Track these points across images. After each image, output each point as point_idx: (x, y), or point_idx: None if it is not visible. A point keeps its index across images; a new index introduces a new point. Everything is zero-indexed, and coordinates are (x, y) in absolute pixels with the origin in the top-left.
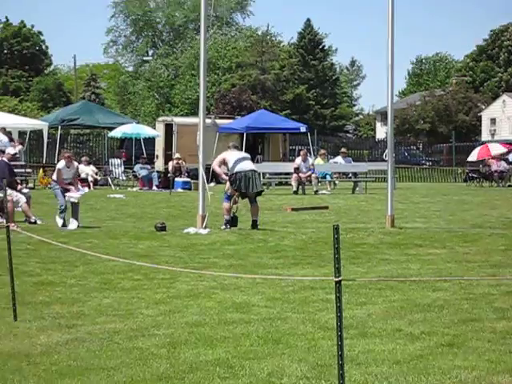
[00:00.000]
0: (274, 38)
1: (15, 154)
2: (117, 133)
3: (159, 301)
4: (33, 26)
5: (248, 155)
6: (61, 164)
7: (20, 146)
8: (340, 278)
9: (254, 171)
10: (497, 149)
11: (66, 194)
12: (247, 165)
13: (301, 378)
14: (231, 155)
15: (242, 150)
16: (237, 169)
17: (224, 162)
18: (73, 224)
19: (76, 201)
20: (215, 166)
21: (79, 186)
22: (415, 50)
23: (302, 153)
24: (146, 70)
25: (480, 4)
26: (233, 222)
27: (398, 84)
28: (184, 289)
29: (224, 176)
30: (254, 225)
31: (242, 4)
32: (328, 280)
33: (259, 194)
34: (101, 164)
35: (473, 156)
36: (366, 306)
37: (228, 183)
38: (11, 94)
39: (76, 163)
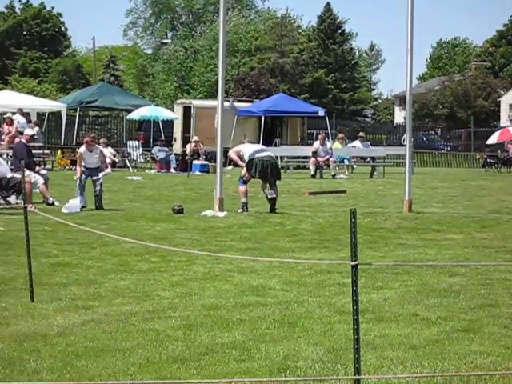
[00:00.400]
0: (293, 21)
1: (33, 135)
2: (135, 115)
3: (176, 283)
4: (53, 8)
5: (265, 147)
6: (82, 149)
7: (37, 128)
8: (356, 262)
9: (271, 157)
10: None
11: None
12: (264, 153)
13: (316, 361)
14: (247, 148)
15: (260, 132)
16: (254, 156)
17: (239, 154)
18: (72, 206)
19: (98, 183)
20: (231, 154)
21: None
22: (436, 34)
23: (320, 137)
24: (164, 53)
25: None
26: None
27: (417, 68)
28: (201, 271)
29: (240, 162)
30: (272, 208)
31: None
32: (344, 264)
33: (278, 178)
34: (119, 146)
35: (493, 138)
36: (382, 291)
37: (244, 168)
38: (30, 76)
39: (100, 147)
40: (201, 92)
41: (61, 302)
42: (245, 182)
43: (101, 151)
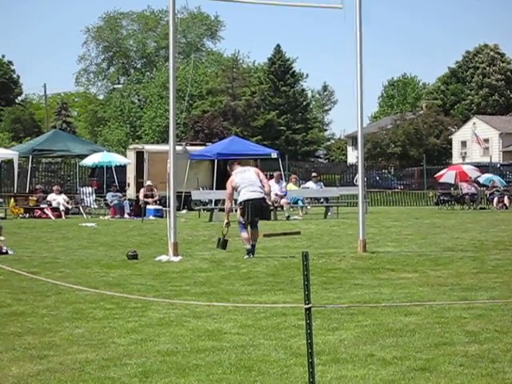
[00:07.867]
0: (242, 62)
1: None
2: (88, 161)
3: (131, 330)
4: (3, 56)
5: (254, 177)
6: None
7: None
8: (310, 305)
9: (261, 197)
10: (472, 173)
11: None
12: (254, 188)
13: None
14: (238, 178)
15: (213, 176)
16: (246, 196)
17: (234, 186)
18: None
19: None
20: (228, 193)
21: None
22: (388, 73)
23: (275, 174)
24: (116, 98)
25: (452, 28)
26: (223, 244)
27: (369, 107)
28: (156, 317)
29: (229, 205)
30: (253, 249)
31: (212, 30)
32: (299, 307)
33: (265, 218)
34: (72, 193)
35: (449, 178)
36: (337, 332)
37: (239, 211)
38: None
39: None
40: (152, 137)
41: (15, 352)
42: (245, 226)
43: None
